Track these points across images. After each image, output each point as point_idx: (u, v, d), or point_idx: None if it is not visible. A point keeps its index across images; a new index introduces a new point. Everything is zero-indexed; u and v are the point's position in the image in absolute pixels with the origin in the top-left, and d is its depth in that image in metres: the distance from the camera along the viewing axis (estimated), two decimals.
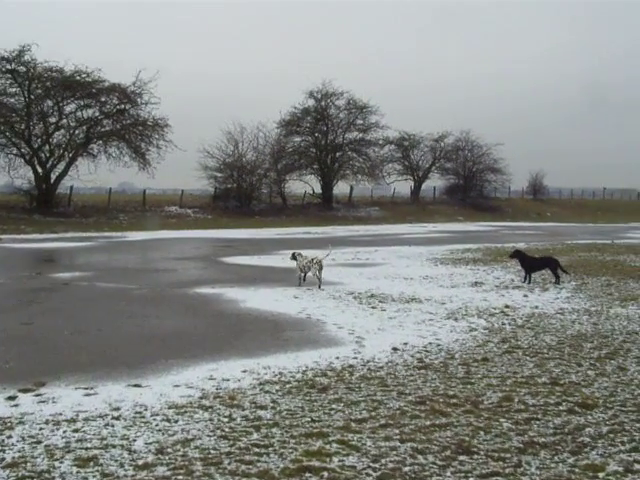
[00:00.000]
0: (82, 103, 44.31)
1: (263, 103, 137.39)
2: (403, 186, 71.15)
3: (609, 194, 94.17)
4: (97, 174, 45.06)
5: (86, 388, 7.78)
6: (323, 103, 56.99)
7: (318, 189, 58.58)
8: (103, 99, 44.52)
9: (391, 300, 14.47)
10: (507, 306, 13.82)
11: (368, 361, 9.20)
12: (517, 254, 17.96)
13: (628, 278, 18.47)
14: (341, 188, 61.76)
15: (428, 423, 6.67)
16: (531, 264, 17.63)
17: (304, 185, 58.43)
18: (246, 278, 18.00)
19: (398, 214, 57.91)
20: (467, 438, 6.28)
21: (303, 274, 16.57)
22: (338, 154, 58.62)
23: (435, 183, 71.70)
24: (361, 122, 58.47)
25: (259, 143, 53.25)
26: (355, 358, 9.39)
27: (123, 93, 44.65)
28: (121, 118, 45.62)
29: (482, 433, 6.43)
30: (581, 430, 6.56)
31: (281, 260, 22.65)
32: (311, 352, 9.75)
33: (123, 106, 45.31)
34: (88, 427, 6.49)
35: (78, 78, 43.22)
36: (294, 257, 16.84)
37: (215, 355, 9.46)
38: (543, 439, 6.30)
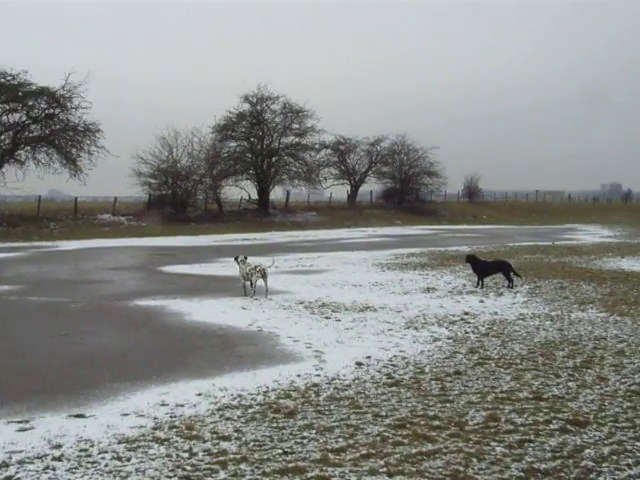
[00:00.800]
0: (7, 107, 42.30)
1: (200, 111, 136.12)
2: (339, 191, 70.89)
3: (541, 196, 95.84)
4: (25, 181, 43.18)
5: (20, 422, 6.83)
6: (259, 107, 56.03)
7: (254, 195, 57.67)
8: (30, 103, 42.61)
9: (344, 309, 13.77)
10: (466, 313, 13.28)
11: (333, 379, 8.47)
12: (470, 259, 17.49)
13: (579, 280, 18.22)
14: (277, 193, 61.13)
15: (414, 451, 5.97)
16: (483, 268, 17.19)
17: (240, 191, 57.50)
18: (189, 288, 17.07)
19: (335, 219, 57.39)
20: (461, 468, 5.61)
21: (249, 282, 15.73)
22: (274, 159, 57.72)
23: (371, 187, 71.58)
24: (297, 126, 57.63)
25: (194, 148, 52.03)
26: (318, 375, 8.64)
27: (52, 97, 42.83)
28: (50, 123, 43.80)
29: (475, 460, 5.77)
30: (581, 452, 5.97)
31: (222, 268, 21.77)
32: (269, 369, 8.97)
33: (52, 110, 43.52)
34: (24, 472, 5.56)
35: (2, 80, 41.22)
36: (237, 261, 15.95)
37: (165, 376, 8.58)
38: (544, 465, 5.68)
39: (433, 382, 8.24)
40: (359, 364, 9.20)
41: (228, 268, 21.74)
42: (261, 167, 56.78)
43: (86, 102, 43.32)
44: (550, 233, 45.21)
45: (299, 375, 8.65)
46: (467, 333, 11.33)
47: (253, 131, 56.76)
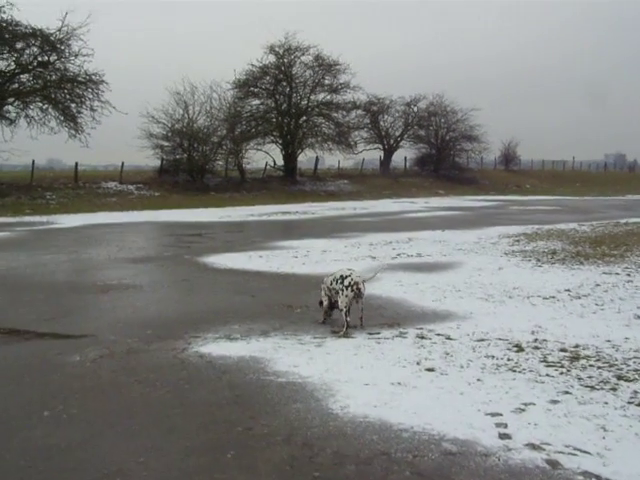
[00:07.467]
0: None
1: (218, 64, 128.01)
2: (368, 156, 63.79)
3: (577, 165, 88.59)
4: (13, 142, 35.87)
5: None
6: (286, 60, 48.59)
7: (279, 160, 50.42)
8: (19, 46, 35.20)
9: (623, 379, 6.74)
10: None
11: None
12: None
13: None
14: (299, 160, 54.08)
15: None
16: None
17: (264, 156, 50.26)
18: (275, 305, 9.99)
19: (371, 188, 50.42)
20: None
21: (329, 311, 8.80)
22: (303, 119, 50.35)
23: (404, 153, 64.34)
24: (329, 82, 50.28)
25: (213, 106, 44.72)
26: None
27: (46, 40, 35.38)
28: (44, 73, 36.42)
29: None
30: None
31: (295, 260, 14.83)
32: None
33: (46, 57, 36.12)
34: None
35: None
36: (342, 283, 8.41)
37: None
38: None
39: None
40: None
41: (303, 259, 14.82)
42: (288, 128, 49.41)
43: (88, 48, 36.02)
44: (629, 207, 38.02)
45: None
46: None
47: (279, 87, 49.32)
